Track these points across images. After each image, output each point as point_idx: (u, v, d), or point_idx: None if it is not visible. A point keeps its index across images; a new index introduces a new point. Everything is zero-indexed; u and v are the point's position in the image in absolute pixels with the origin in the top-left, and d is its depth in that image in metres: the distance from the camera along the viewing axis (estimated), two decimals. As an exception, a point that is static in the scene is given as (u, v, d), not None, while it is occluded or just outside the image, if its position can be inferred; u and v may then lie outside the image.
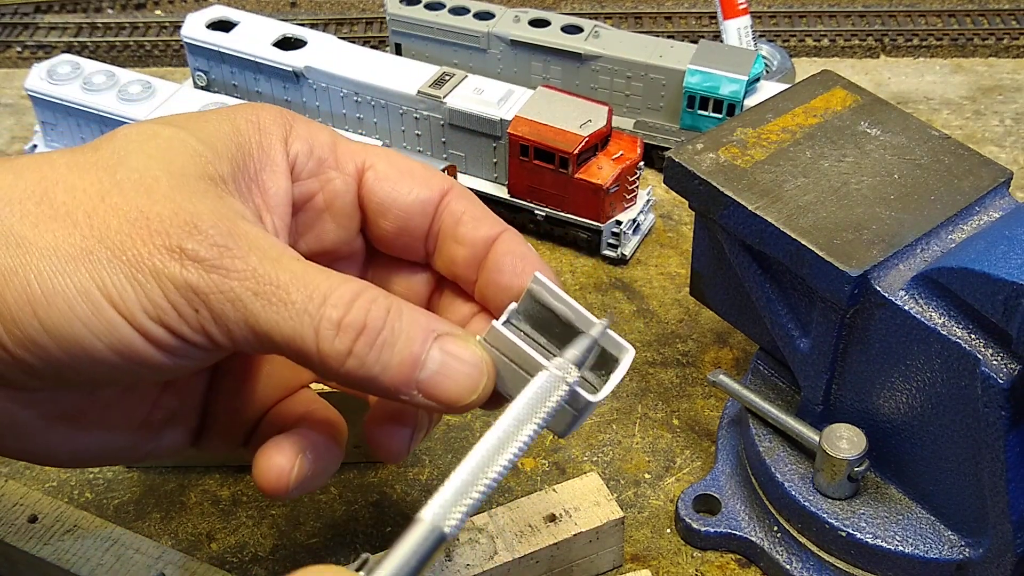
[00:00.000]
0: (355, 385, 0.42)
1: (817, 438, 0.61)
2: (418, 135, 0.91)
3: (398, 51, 1.03)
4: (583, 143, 0.83)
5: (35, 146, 0.94)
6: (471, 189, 0.91)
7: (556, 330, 0.46)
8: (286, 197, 0.47)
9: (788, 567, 0.63)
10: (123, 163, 0.42)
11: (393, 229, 0.50)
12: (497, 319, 0.44)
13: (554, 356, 0.43)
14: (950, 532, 0.59)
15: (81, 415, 0.46)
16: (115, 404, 0.47)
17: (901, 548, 0.59)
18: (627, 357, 0.44)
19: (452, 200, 0.50)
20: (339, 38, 0.96)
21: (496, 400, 0.45)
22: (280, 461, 0.46)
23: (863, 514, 0.61)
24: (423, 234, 0.50)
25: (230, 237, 0.40)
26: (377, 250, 0.53)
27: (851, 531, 0.60)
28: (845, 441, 0.60)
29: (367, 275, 0.53)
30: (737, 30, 1.01)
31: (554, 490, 0.64)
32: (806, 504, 0.61)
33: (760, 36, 1.09)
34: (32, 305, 0.39)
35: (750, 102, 0.91)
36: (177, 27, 1.13)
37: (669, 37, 1.04)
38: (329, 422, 0.50)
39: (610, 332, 0.45)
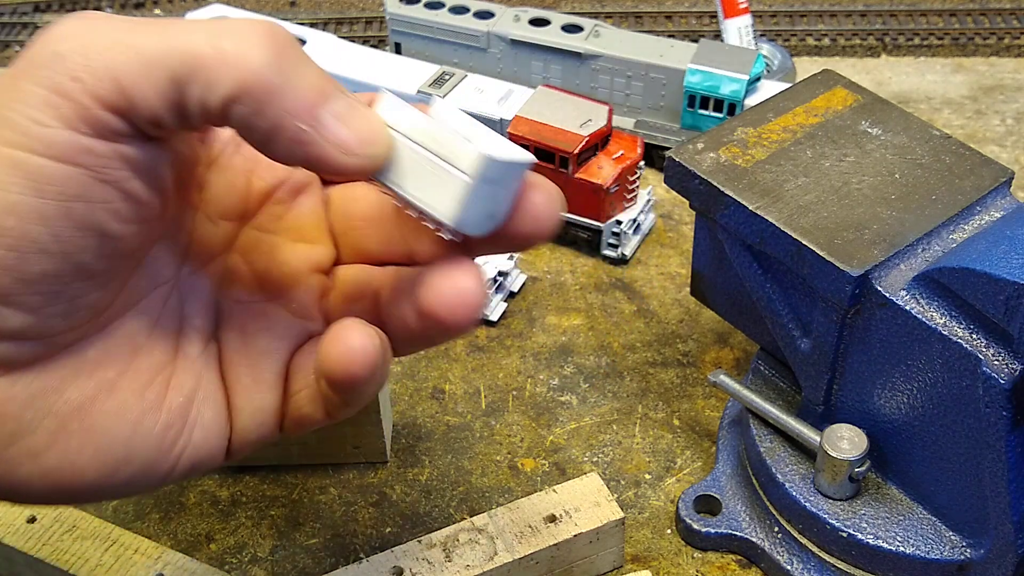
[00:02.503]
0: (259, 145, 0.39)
1: (818, 438, 0.61)
2: (418, 135, 0.91)
3: (398, 50, 1.03)
4: (583, 143, 0.83)
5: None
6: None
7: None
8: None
9: (789, 568, 0.63)
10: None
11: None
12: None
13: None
14: (951, 533, 0.59)
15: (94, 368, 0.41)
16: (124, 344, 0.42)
17: (902, 549, 0.59)
18: (519, 153, 0.40)
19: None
20: (339, 37, 0.96)
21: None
22: (356, 337, 0.42)
23: (864, 515, 0.61)
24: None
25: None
26: None
27: (852, 532, 0.60)
28: (846, 441, 0.60)
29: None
30: (738, 29, 1.01)
31: (554, 491, 0.64)
32: (807, 505, 0.61)
33: (761, 35, 1.09)
34: None
35: (751, 101, 0.91)
36: (177, 26, 1.13)
37: (669, 36, 1.04)
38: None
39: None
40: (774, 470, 0.63)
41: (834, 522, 0.60)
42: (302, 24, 1.00)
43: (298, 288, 0.47)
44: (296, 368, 0.46)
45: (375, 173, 0.40)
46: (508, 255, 0.83)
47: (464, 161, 0.38)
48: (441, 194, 0.39)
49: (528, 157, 0.40)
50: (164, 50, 0.36)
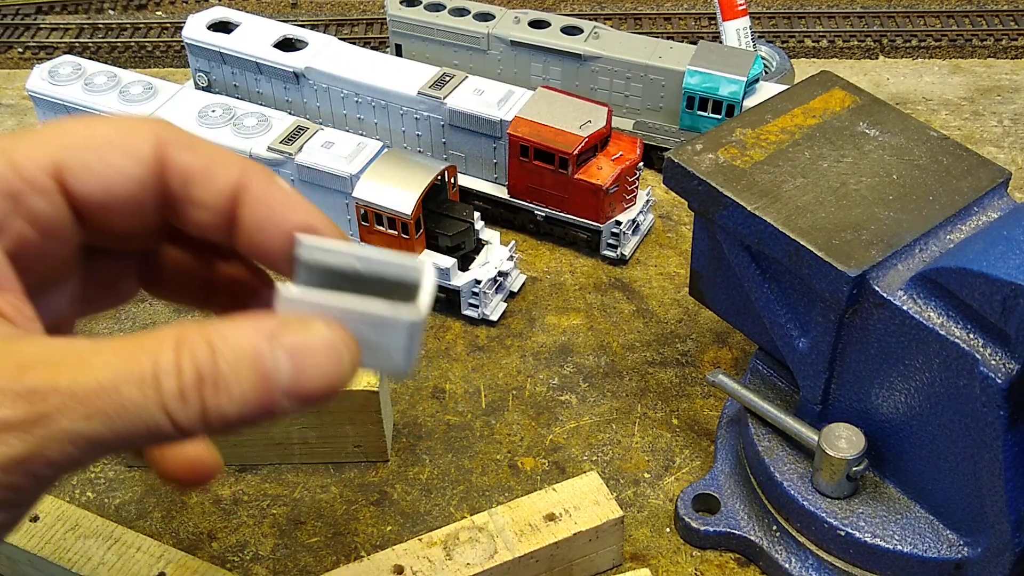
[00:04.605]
0: (226, 433, 0.37)
1: (816, 438, 0.61)
2: (418, 136, 0.92)
3: (398, 52, 1.03)
4: (583, 144, 0.83)
5: (36, 147, 0.94)
6: (471, 190, 0.93)
7: (347, 286, 0.39)
8: (2, 263, 0.39)
9: (787, 566, 0.64)
10: None
11: (123, 220, 0.41)
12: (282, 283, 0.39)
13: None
14: (948, 531, 0.60)
15: None
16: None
17: (900, 547, 0.59)
18: (427, 274, 0.38)
19: (171, 156, 0.41)
20: (340, 39, 0.96)
21: None
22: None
23: (862, 513, 0.61)
24: (155, 208, 0.42)
25: (19, 371, 0.34)
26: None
27: (850, 530, 0.60)
28: (844, 440, 0.60)
29: (92, 262, 0.45)
30: (736, 31, 1.01)
31: (554, 489, 0.64)
32: (805, 503, 0.62)
33: (759, 37, 1.09)
34: None
35: (749, 103, 0.91)
36: (178, 28, 1.13)
37: (668, 38, 1.04)
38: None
39: (402, 261, 0.39)
40: (772, 469, 0.63)
41: (832, 520, 0.61)
42: (303, 26, 1.01)
43: None
44: None
45: None
46: (509, 256, 0.83)
47: (398, 326, 0.38)
48: (386, 356, 0.39)
49: (427, 267, 0.39)
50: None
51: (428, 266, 0.38)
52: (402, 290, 0.39)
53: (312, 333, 0.37)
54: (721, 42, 1.02)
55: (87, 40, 1.18)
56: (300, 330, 0.37)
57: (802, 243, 0.57)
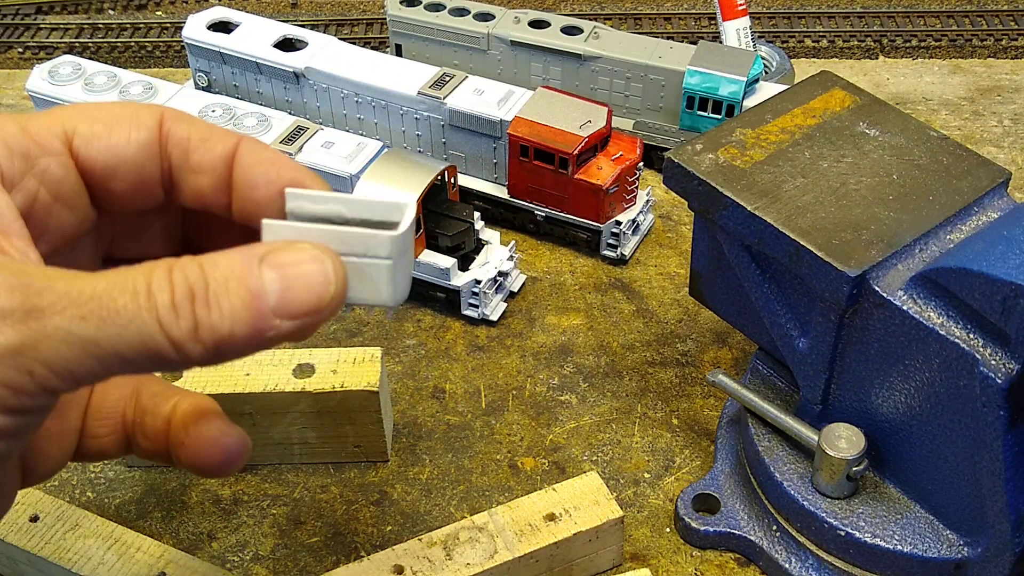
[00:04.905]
0: (219, 356, 0.38)
1: (816, 437, 0.61)
2: (418, 136, 0.92)
3: (398, 52, 1.03)
4: (583, 144, 0.83)
5: (36, 147, 0.94)
6: (471, 190, 0.93)
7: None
8: (11, 210, 0.41)
9: (787, 566, 0.64)
10: None
11: (128, 186, 0.44)
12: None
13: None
14: (948, 531, 0.60)
15: None
16: None
17: (900, 547, 0.59)
18: (409, 208, 0.40)
19: (171, 128, 0.44)
20: (340, 39, 0.96)
21: None
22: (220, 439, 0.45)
23: (862, 513, 0.61)
24: (157, 177, 0.44)
25: (18, 272, 0.36)
26: (112, 212, 0.47)
27: (850, 530, 0.60)
28: (844, 440, 0.60)
29: (115, 245, 0.48)
30: (736, 31, 1.01)
31: (554, 489, 0.64)
32: (805, 503, 0.62)
33: (759, 37, 1.09)
34: None
35: (749, 103, 0.91)
36: (178, 28, 1.13)
37: (668, 38, 1.04)
38: (201, 408, 0.47)
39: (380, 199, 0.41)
40: (772, 469, 0.63)
41: (832, 520, 0.61)
42: (303, 26, 1.01)
43: None
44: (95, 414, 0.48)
45: None
46: (509, 256, 0.83)
47: (380, 249, 0.39)
48: (372, 286, 0.40)
49: (408, 203, 0.41)
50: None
51: (410, 204, 0.40)
52: (387, 227, 0.40)
53: (298, 251, 0.38)
54: (721, 42, 1.02)
55: (87, 40, 1.18)
56: (287, 249, 0.38)
57: (802, 243, 0.57)
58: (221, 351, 0.37)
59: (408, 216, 0.40)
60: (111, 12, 1.24)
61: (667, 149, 0.78)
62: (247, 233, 0.43)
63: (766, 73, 1.03)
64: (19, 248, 0.40)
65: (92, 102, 0.45)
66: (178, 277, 0.37)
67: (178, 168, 0.44)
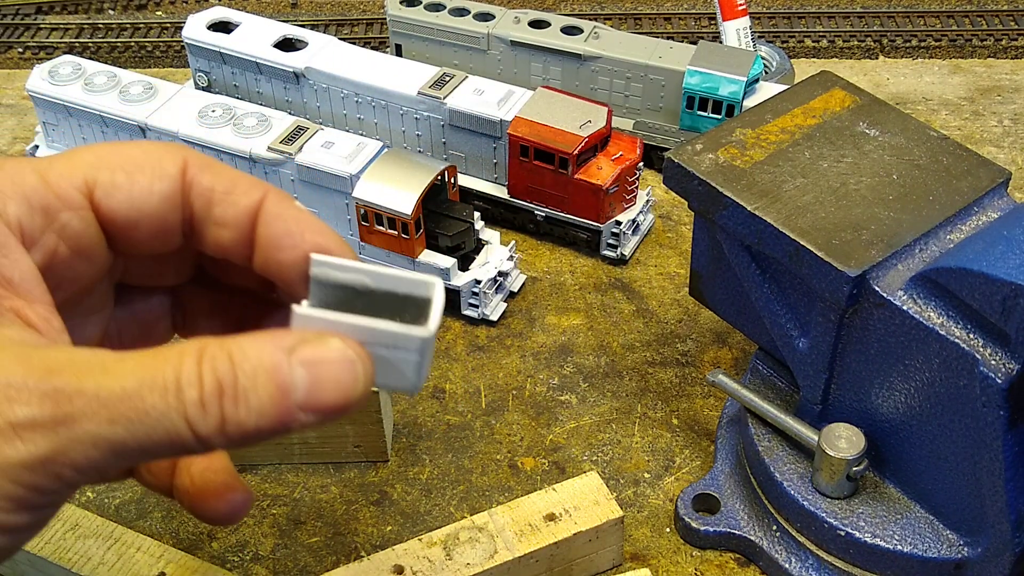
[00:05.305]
0: (240, 445, 0.38)
1: (816, 437, 0.61)
2: (418, 136, 0.92)
3: (398, 52, 1.03)
4: (583, 144, 0.83)
5: (37, 147, 0.94)
6: (471, 190, 0.93)
7: (359, 304, 0.40)
8: (34, 274, 0.40)
9: (787, 566, 0.64)
10: None
11: (148, 235, 0.43)
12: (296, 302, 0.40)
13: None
14: (948, 531, 0.60)
15: None
16: None
17: (900, 547, 0.59)
18: (437, 290, 0.40)
19: (195, 176, 0.43)
20: (340, 39, 0.96)
21: None
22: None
23: (862, 513, 0.61)
24: (179, 227, 0.44)
25: (46, 373, 0.35)
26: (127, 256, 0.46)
27: (850, 530, 0.60)
28: (844, 440, 0.60)
29: (128, 275, 0.47)
30: (736, 31, 1.01)
31: (554, 489, 0.64)
32: (805, 503, 0.62)
33: (759, 37, 1.09)
34: None
35: (749, 103, 0.91)
36: (178, 28, 1.13)
37: (668, 38, 1.04)
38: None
39: (411, 276, 0.40)
40: (772, 469, 0.63)
41: (832, 520, 0.61)
42: (303, 26, 1.01)
43: None
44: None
45: None
46: (509, 256, 0.83)
47: (410, 344, 0.39)
48: (398, 373, 0.40)
49: (437, 281, 0.40)
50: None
51: (438, 283, 0.39)
52: (412, 306, 0.40)
53: (328, 347, 0.38)
54: (721, 42, 1.02)
55: (87, 40, 1.18)
56: (317, 344, 0.38)
57: (802, 243, 0.57)
58: (244, 442, 0.38)
59: (438, 299, 0.39)
60: (111, 12, 1.24)
61: (667, 149, 0.78)
62: (264, 278, 0.44)
63: (766, 73, 1.03)
64: (42, 316, 0.40)
65: (114, 143, 0.44)
66: (207, 370, 0.36)
67: (200, 219, 0.43)
